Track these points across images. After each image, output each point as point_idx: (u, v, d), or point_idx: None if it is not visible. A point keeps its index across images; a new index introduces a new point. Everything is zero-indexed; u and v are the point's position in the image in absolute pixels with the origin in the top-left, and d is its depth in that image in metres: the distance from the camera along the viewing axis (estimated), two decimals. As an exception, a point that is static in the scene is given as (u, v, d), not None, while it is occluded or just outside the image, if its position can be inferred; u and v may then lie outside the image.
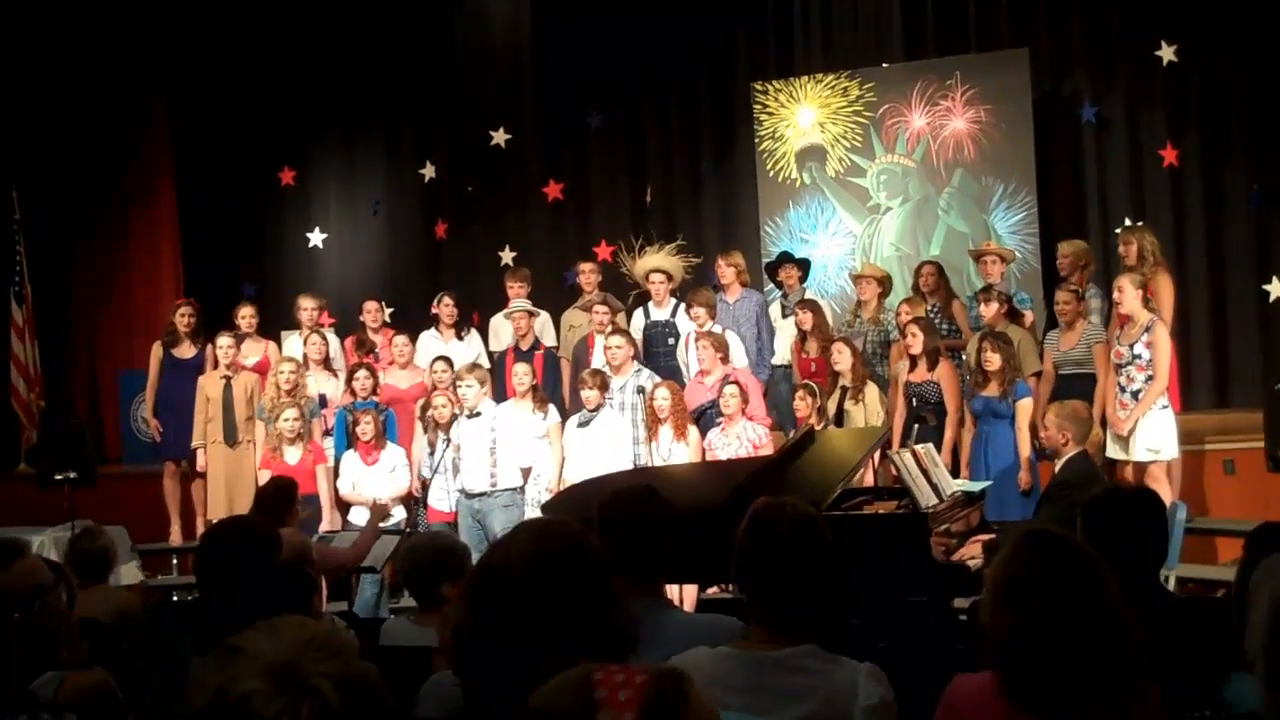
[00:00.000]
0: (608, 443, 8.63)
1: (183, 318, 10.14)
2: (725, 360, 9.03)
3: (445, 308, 10.18)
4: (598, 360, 9.29)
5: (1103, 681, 2.49)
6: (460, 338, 10.18)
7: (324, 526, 8.64)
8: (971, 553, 6.19)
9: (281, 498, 6.45)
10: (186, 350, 10.14)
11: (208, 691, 1.42)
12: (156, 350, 10.22)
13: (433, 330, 10.25)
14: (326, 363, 9.89)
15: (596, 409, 8.72)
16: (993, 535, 6.42)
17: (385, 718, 1.50)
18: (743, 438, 8.52)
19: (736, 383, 8.64)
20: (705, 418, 8.87)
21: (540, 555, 1.98)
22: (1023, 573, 2.59)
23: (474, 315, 10.57)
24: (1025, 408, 8.12)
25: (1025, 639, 2.51)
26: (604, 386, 8.77)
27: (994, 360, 8.20)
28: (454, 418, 8.80)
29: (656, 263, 9.96)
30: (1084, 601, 2.53)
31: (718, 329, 9.29)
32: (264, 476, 8.70)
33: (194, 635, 3.58)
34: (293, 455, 8.92)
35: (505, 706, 1.93)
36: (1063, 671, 2.48)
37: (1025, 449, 8.07)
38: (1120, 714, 2.49)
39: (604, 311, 9.69)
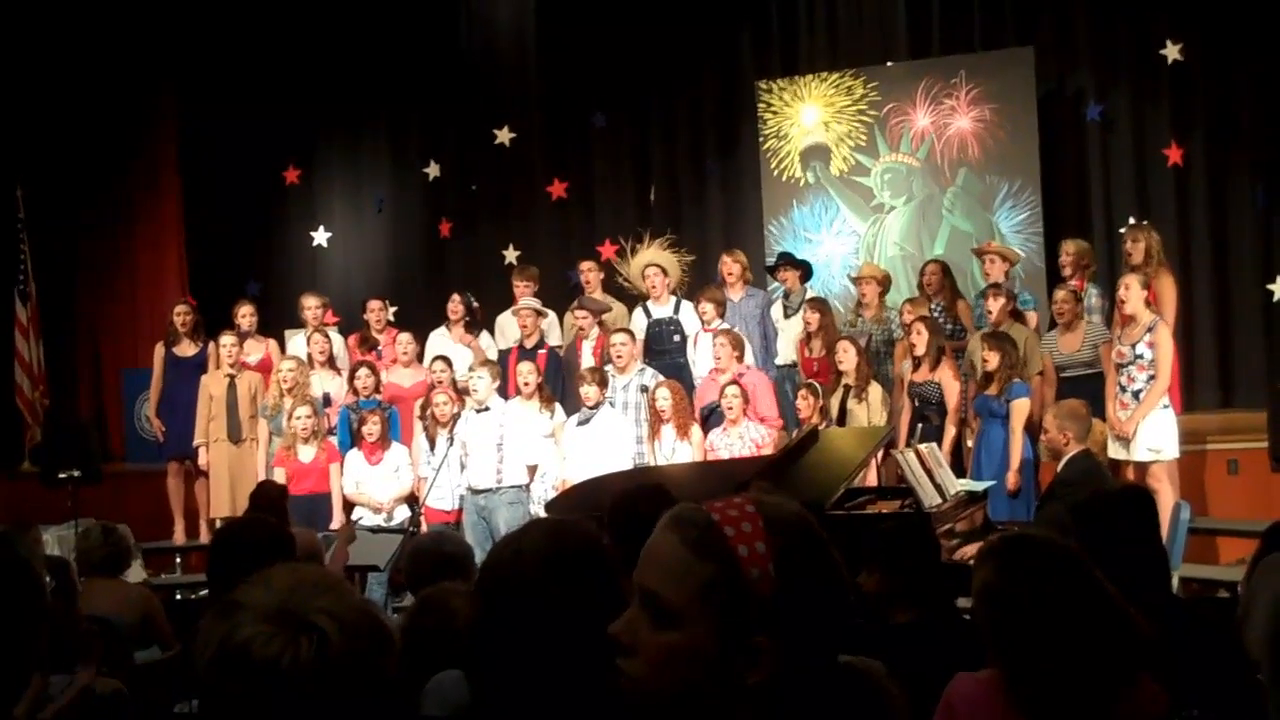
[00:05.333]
0: (608, 441, 8.62)
1: (179, 316, 10.17)
2: (741, 359, 9.02)
3: (453, 305, 10.18)
4: (586, 364, 9.29)
5: (1097, 680, 2.47)
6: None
7: (332, 525, 8.66)
8: (974, 553, 6.19)
9: (274, 507, 6.49)
10: (188, 349, 10.17)
11: (210, 645, 1.46)
12: (159, 350, 10.26)
13: (442, 329, 10.25)
14: (331, 361, 9.89)
15: (596, 407, 8.71)
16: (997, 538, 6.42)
17: (387, 649, 1.53)
18: (745, 437, 8.52)
19: (737, 383, 8.65)
20: (716, 415, 8.85)
21: (555, 555, 1.98)
22: (998, 580, 2.58)
23: (480, 315, 10.56)
24: (1020, 408, 8.06)
25: (1013, 644, 2.51)
26: (603, 383, 8.77)
27: (990, 359, 8.19)
28: (455, 416, 8.81)
29: (650, 257, 9.96)
30: (1067, 604, 2.51)
31: (725, 327, 9.29)
32: (278, 474, 8.76)
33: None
34: (306, 454, 8.94)
35: (513, 705, 1.94)
36: (1055, 673, 2.47)
37: (1017, 450, 8.01)
38: (1118, 711, 2.48)
39: (584, 315, 9.69)
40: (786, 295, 10.21)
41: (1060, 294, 8.77)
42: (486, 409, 8.73)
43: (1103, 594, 2.54)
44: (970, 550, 6.22)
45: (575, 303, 9.99)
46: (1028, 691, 2.49)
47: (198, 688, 1.48)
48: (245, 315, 10.18)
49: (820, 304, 9.55)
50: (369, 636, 1.50)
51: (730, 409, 8.54)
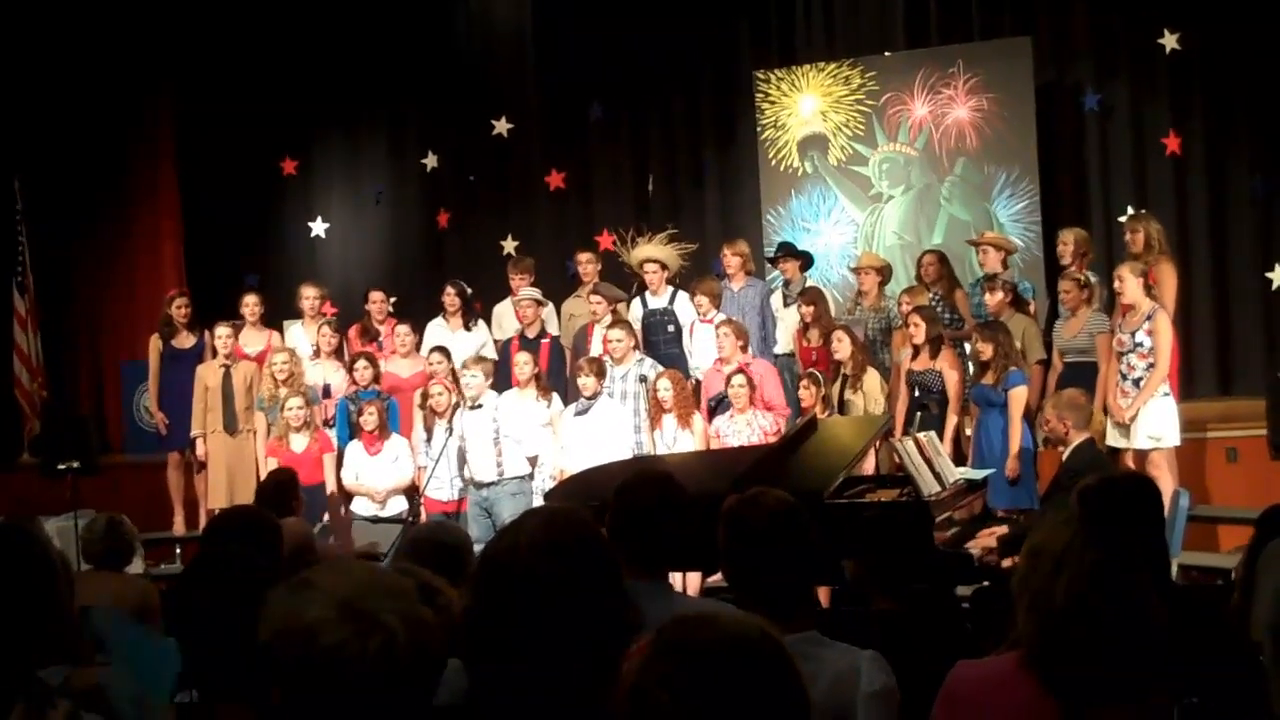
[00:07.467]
0: (606, 431, 8.61)
1: (179, 309, 10.14)
2: (745, 348, 9.02)
3: (447, 297, 10.18)
4: (596, 349, 9.29)
5: (1136, 670, 2.43)
6: (468, 328, 10.17)
7: (328, 516, 8.66)
8: (985, 544, 6.18)
9: (281, 491, 6.48)
10: (185, 340, 10.14)
11: (275, 622, 1.45)
12: (155, 343, 10.22)
13: (439, 319, 10.25)
14: (338, 352, 9.88)
15: (593, 397, 8.71)
16: (1005, 529, 6.42)
17: (440, 659, 1.54)
18: (754, 425, 8.53)
19: (744, 372, 8.65)
20: (723, 405, 8.84)
21: (551, 543, 1.98)
22: (1077, 550, 2.48)
23: (477, 304, 10.56)
24: (1017, 396, 8.07)
25: (1064, 615, 2.42)
26: (601, 374, 8.76)
27: (985, 350, 8.20)
28: (455, 406, 8.81)
29: (649, 252, 9.96)
30: (1133, 587, 2.46)
31: (721, 317, 9.29)
32: (271, 465, 8.76)
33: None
34: (299, 443, 8.94)
35: (510, 693, 1.94)
36: (1106, 658, 2.40)
37: (1015, 438, 8.02)
38: (1140, 703, 2.43)
39: (599, 301, 9.68)
40: (786, 285, 10.21)
41: (1064, 282, 8.76)
42: (479, 406, 8.72)
43: (1150, 586, 2.51)
44: (982, 542, 6.21)
45: (591, 286, 9.97)
46: (1066, 670, 2.41)
47: (258, 656, 1.48)
48: (250, 305, 10.16)
49: (814, 294, 9.55)
50: (429, 647, 1.52)
51: (737, 398, 8.54)
